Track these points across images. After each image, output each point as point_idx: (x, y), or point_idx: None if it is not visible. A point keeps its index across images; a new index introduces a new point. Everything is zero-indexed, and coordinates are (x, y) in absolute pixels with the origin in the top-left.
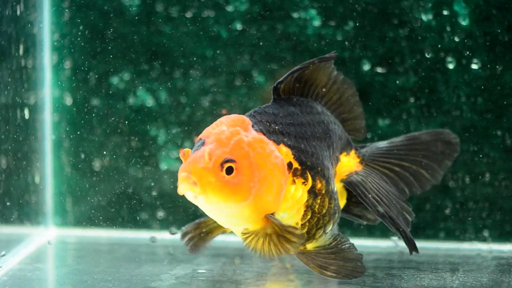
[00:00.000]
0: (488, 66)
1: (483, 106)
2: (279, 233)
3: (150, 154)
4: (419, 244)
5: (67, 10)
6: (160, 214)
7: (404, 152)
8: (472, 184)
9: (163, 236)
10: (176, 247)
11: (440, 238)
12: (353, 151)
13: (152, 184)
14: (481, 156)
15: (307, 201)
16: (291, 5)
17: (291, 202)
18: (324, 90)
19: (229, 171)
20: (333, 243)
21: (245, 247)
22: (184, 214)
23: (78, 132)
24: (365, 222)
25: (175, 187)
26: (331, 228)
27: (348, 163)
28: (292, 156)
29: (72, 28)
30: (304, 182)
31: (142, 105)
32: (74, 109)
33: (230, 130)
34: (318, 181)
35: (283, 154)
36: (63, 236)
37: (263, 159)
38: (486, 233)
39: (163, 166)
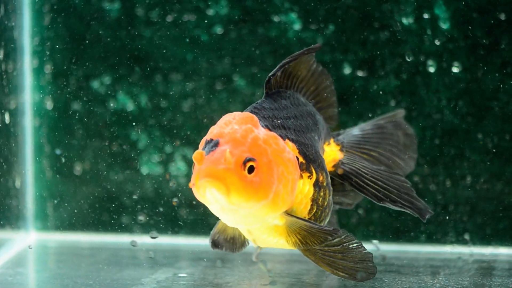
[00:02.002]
0: (469, 69)
1: (464, 109)
2: (307, 230)
3: (131, 158)
4: (400, 247)
5: (47, 15)
6: (141, 218)
7: (376, 140)
8: (453, 187)
9: (144, 240)
10: (157, 251)
11: (421, 241)
12: (332, 139)
13: (133, 188)
14: (462, 159)
15: (312, 194)
16: (271, 9)
17: (300, 197)
18: (303, 81)
19: (251, 170)
20: (337, 240)
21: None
22: (165, 218)
23: (59, 136)
24: (343, 207)
25: (156, 191)
26: (328, 220)
27: (330, 152)
28: (297, 151)
29: (53, 32)
30: (309, 176)
31: (122, 109)
32: (55, 113)
33: (243, 128)
34: (320, 174)
35: (290, 148)
36: (44, 240)
37: (279, 156)
38: (467, 236)
39: (144, 170)
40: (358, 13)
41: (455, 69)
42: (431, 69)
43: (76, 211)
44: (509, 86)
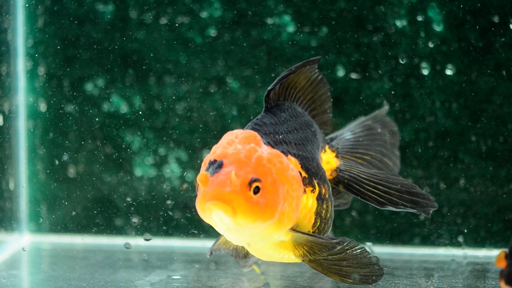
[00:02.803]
0: (463, 71)
1: (458, 111)
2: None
3: (125, 160)
4: (394, 250)
5: (41, 17)
6: (135, 220)
7: (367, 142)
8: (447, 190)
9: (138, 242)
10: (151, 253)
11: (415, 244)
12: (327, 146)
13: (127, 190)
14: (455, 161)
15: (316, 208)
16: (265, 11)
17: (304, 212)
18: (301, 91)
19: (256, 190)
20: (339, 248)
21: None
22: (158, 220)
23: (53, 139)
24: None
25: (150, 193)
26: (330, 231)
27: (327, 160)
28: (300, 165)
29: (46, 34)
30: (312, 190)
31: (116, 111)
32: (49, 115)
33: (246, 148)
34: (322, 187)
35: (292, 164)
36: (38, 242)
37: (284, 174)
38: (461, 239)
39: (138, 172)
40: (352, 16)
41: (448, 72)
42: (425, 72)
43: (70, 213)
44: (503, 88)
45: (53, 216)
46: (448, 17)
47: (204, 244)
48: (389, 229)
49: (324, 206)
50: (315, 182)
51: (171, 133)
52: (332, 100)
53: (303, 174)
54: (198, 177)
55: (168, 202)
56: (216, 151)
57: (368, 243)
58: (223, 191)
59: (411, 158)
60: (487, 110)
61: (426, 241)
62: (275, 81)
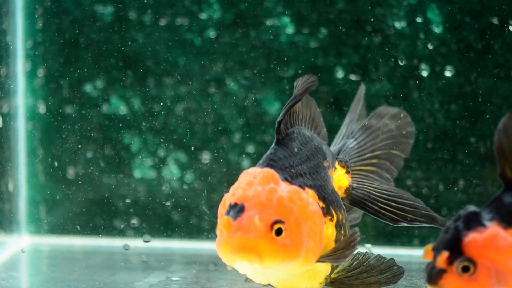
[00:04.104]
0: (462, 73)
1: (457, 113)
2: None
3: (124, 162)
4: (393, 251)
5: (40, 18)
6: (134, 221)
7: (371, 143)
8: (445, 191)
9: (137, 244)
10: (150, 255)
11: (414, 245)
12: (336, 163)
13: (126, 192)
14: (455, 163)
15: (336, 236)
16: (264, 13)
17: (325, 242)
18: (300, 113)
19: (279, 232)
20: (355, 263)
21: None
22: (157, 221)
23: (52, 140)
24: (352, 223)
25: (149, 195)
26: None
27: (338, 179)
28: (317, 196)
29: (45, 36)
30: (331, 219)
31: (115, 113)
32: (48, 117)
33: (266, 189)
34: (339, 213)
35: (310, 197)
36: (37, 244)
37: (305, 211)
38: None
39: (137, 173)
40: (351, 17)
41: (448, 73)
42: (424, 73)
43: (69, 214)
44: (502, 89)
45: (52, 218)
46: (448, 18)
47: (203, 246)
48: (388, 231)
49: (342, 232)
50: (333, 210)
51: (170, 134)
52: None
53: (321, 204)
54: (221, 222)
55: (168, 203)
56: (236, 194)
57: (367, 245)
58: (247, 237)
59: (410, 160)
60: (486, 111)
61: (425, 242)
62: (283, 112)
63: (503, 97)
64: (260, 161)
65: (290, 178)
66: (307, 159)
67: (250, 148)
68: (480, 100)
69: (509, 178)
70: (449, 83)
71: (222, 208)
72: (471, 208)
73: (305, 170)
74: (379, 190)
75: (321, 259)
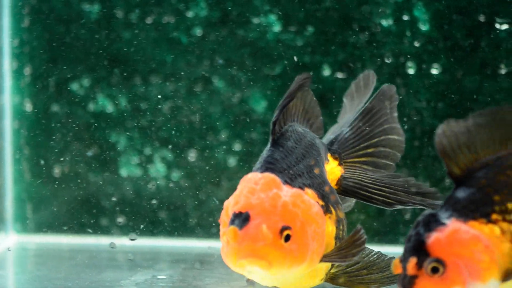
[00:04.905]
0: (449, 71)
1: (444, 111)
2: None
3: (110, 160)
4: (379, 249)
5: (26, 17)
6: (120, 220)
7: (368, 130)
8: None
9: (123, 242)
10: (136, 253)
11: (400, 243)
12: (329, 155)
13: (112, 190)
14: (441, 161)
15: (336, 233)
16: (251, 11)
17: (327, 240)
18: (294, 107)
19: (287, 238)
20: (356, 257)
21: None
22: (143, 220)
23: (38, 139)
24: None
25: (135, 193)
26: None
27: (331, 171)
28: (316, 195)
29: (32, 34)
30: (330, 216)
31: (102, 111)
32: (34, 115)
33: (269, 195)
34: (337, 209)
35: (310, 197)
36: (23, 242)
37: (309, 214)
38: None
39: (123, 172)
40: (338, 15)
41: (434, 71)
42: (411, 71)
43: (55, 213)
44: (489, 87)
45: (39, 216)
46: (434, 16)
47: (189, 244)
48: (375, 228)
49: (341, 227)
50: (331, 207)
51: (156, 132)
52: (318, 102)
53: (321, 203)
54: (228, 232)
55: (154, 201)
56: (239, 202)
57: None
58: (256, 246)
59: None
60: (473, 109)
61: None
62: (277, 112)
63: (490, 95)
64: (258, 165)
65: (290, 180)
66: (303, 157)
67: (237, 146)
68: (466, 98)
69: (457, 175)
70: (436, 81)
71: (226, 217)
72: (428, 211)
73: (303, 170)
74: (371, 177)
75: (326, 258)
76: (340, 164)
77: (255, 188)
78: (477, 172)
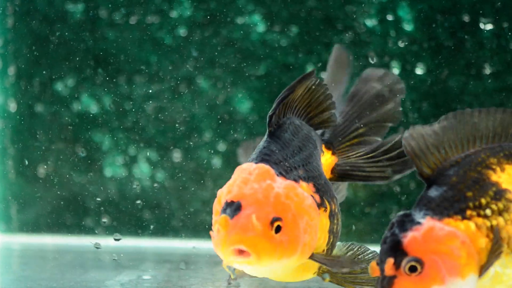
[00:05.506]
0: (433, 71)
1: (428, 111)
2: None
3: (95, 160)
4: None
5: (10, 17)
6: (105, 220)
7: (357, 113)
8: (417, 189)
9: (108, 242)
10: (121, 253)
11: None
12: (323, 146)
13: (97, 190)
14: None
15: (329, 226)
16: (235, 11)
17: (320, 233)
18: (297, 100)
19: (278, 229)
20: (350, 253)
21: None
22: (128, 220)
23: (23, 139)
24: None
25: (120, 193)
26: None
27: (325, 162)
28: (311, 189)
29: (16, 34)
30: (325, 210)
31: (86, 111)
32: (19, 115)
33: (262, 186)
34: (332, 203)
35: (305, 190)
36: (8, 242)
37: (301, 206)
38: None
39: (108, 172)
40: (322, 15)
41: (419, 71)
42: (395, 71)
43: (40, 213)
44: (473, 87)
45: (23, 216)
46: (419, 16)
47: (174, 244)
48: (358, 228)
49: (335, 221)
50: (326, 201)
51: (141, 133)
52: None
53: (315, 196)
54: (219, 221)
55: (138, 202)
56: (232, 191)
57: (338, 243)
58: (246, 236)
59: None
60: (457, 109)
61: None
62: (275, 104)
63: (474, 95)
64: (254, 155)
65: (284, 172)
66: (299, 150)
67: (221, 146)
68: (451, 98)
69: (428, 175)
70: (420, 81)
71: (218, 205)
72: (402, 212)
73: (299, 163)
74: (364, 156)
75: (316, 257)
76: (333, 153)
77: (249, 178)
78: (447, 170)
